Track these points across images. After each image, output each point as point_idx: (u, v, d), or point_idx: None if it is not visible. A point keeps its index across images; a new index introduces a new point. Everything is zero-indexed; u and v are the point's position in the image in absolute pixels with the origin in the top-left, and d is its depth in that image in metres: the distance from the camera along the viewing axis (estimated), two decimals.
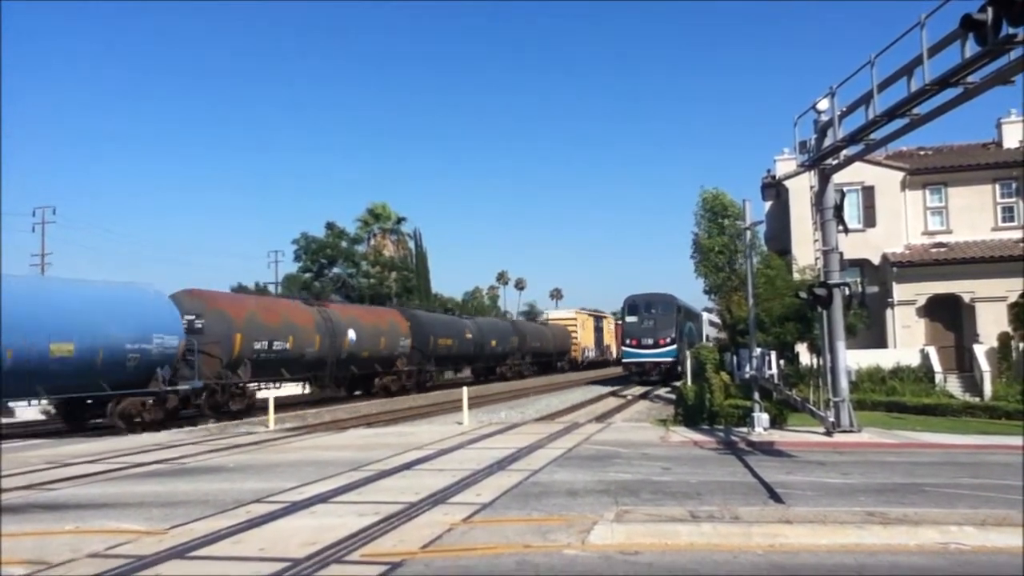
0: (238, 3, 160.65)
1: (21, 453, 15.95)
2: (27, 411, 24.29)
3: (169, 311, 23.37)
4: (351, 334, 32.05)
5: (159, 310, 22.99)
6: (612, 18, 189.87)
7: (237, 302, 28.21)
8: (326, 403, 31.36)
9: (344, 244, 61.61)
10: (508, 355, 50.49)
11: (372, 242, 64.50)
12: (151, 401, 21.89)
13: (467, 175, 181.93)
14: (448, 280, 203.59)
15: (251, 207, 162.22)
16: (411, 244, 66.93)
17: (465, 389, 23.09)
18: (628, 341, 43.16)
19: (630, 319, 43.14)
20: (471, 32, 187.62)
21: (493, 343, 47.82)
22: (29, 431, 21.96)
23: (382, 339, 34.75)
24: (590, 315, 71.81)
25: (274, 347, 27.34)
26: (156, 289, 24.06)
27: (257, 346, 26.45)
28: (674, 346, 40.92)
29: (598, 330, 71.65)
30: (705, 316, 54.73)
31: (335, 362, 31.05)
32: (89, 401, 21.33)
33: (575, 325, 66.27)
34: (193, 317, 24.59)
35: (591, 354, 68.87)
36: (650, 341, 41.60)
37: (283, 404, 27.65)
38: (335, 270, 60.84)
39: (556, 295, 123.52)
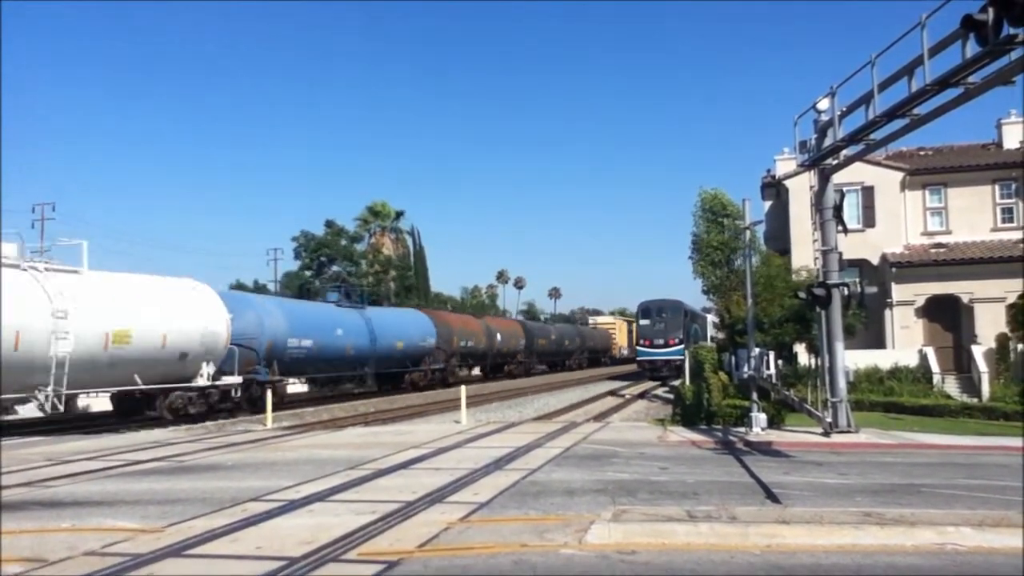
0: (238, 2, 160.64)
1: (20, 450, 15.93)
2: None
3: (429, 324, 39.80)
4: (498, 336, 49.09)
5: (425, 323, 39.78)
6: (611, 18, 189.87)
7: (452, 317, 45.89)
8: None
9: (343, 242, 61.55)
10: (574, 352, 66.41)
11: (371, 240, 64.44)
12: (421, 374, 38.76)
13: (467, 174, 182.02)
14: (448, 278, 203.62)
15: (250, 205, 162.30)
16: (409, 242, 66.90)
17: (463, 388, 23.04)
18: (642, 342, 47.78)
19: (643, 322, 47.84)
20: (471, 31, 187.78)
21: (566, 343, 64.18)
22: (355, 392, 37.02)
23: (512, 340, 51.55)
24: (625, 320, 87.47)
25: (467, 345, 44.06)
26: (423, 313, 41.75)
27: (461, 344, 43.13)
28: (682, 346, 43.71)
29: (630, 332, 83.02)
30: (709, 318, 56.63)
31: (491, 355, 48.35)
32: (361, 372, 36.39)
33: (614, 328, 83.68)
34: (433, 326, 40.14)
35: (625, 352, 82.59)
36: (661, 342, 45.92)
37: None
38: (334, 268, 60.76)
39: (554, 294, 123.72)
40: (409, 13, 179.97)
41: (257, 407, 24.66)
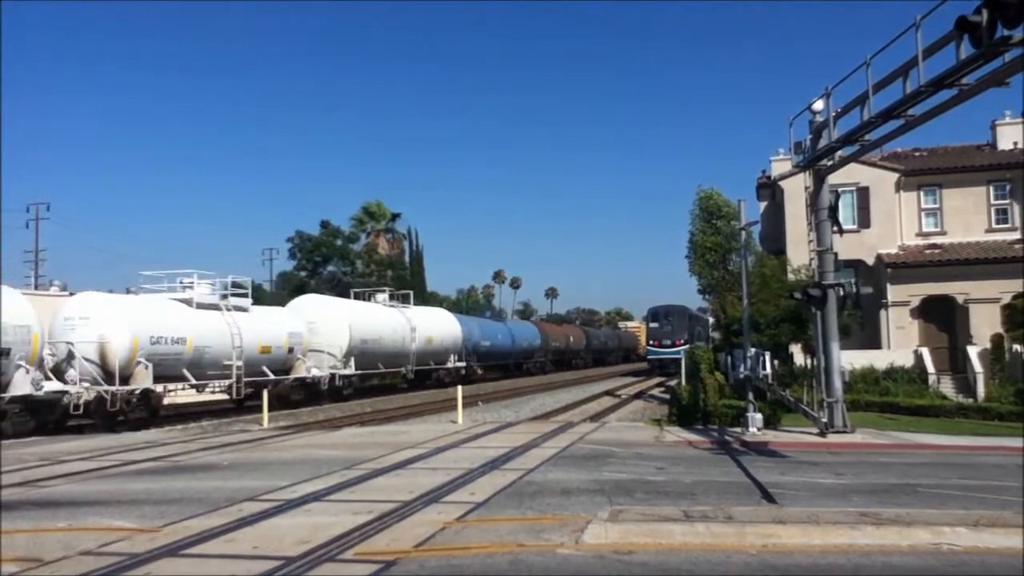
0: (234, 2, 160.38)
1: (15, 450, 15.91)
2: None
3: (536, 331, 58.74)
4: (571, 339, 67.02)
5: (534, 330, 58.64)
6: (607, 19, 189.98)
7: (546, 326, 66.34)
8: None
9: (339, 242, 61.41)
10: (613, 350, 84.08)
11: (367, 240, 64.27)
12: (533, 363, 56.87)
13: (463, 175, 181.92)
14: (444, 278, 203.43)
15: (246, 205, 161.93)
16: (405, 243, 66.75)
17: (459, 388, 23.01)
18: (651, 342, 54.07)
19: (652, 325, 53.94)
20: (467, 31, 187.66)
21: (609, 343, 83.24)
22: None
23: (578, 342, 68.87)
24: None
25: (555, 345, 61.37)
26: (532, 323, 65.14)
27: (552, 345, 60.38)
28: (687, 346, 46.12)
29: None
30: (711, 320, 58.54)
31: (567, 352, 65.46)
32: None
33: (640, 332, 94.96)
34: (539, 333, 58.70)
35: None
36: (668, 342, 51.19)
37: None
38: (330, 268, 60.58)
39: (551, 294, 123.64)
40: (406, 13, 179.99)
41: (469, 380, 41.55)
